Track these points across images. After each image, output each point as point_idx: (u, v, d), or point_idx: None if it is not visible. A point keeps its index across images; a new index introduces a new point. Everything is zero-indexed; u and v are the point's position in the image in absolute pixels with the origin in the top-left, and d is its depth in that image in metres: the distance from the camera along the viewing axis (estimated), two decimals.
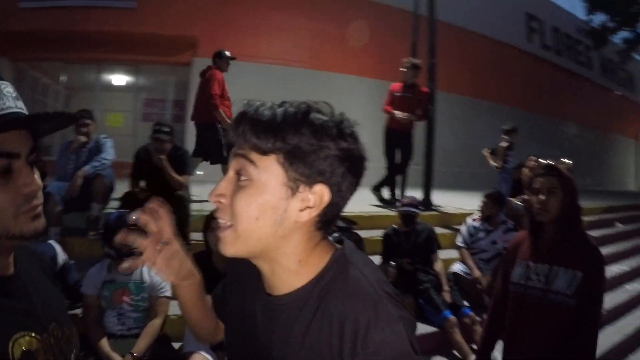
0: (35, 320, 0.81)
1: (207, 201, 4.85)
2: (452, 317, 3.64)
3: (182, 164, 4.22)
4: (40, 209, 0.81)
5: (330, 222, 0.80)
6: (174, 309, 2.88)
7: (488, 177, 7.55)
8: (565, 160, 7.01)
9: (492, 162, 6.93)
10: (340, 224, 3.42)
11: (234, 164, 0.78)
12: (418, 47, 7.48)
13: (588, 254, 1.93)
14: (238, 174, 0.77)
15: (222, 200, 0.77)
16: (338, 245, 0.85)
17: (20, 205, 0.77)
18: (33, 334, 0.79)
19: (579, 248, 1.94)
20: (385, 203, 6.12)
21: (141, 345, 2.65)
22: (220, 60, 5.51)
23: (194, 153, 5.50)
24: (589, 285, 1.86)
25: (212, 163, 5.40)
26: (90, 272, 2.82)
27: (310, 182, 0.75)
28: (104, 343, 2.64)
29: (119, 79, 12.38)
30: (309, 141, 0.73)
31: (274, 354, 0.80)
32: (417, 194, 4.99)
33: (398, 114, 5.88)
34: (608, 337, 4.14)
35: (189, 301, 0.96)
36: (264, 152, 0.74)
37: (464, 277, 4.22)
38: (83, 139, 4.15)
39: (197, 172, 5.56)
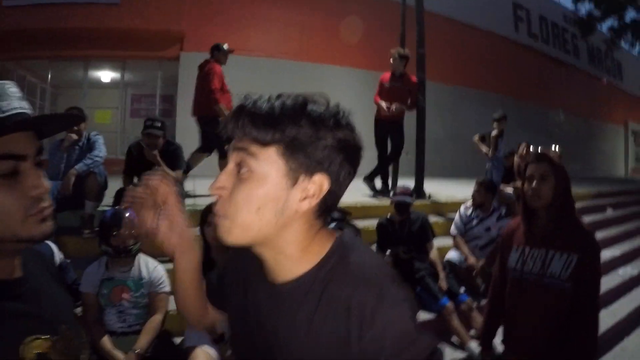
0: (46, 322, 0.81)
1: (200, 196, 4.84)
2: (449, 304, 3.68)
3: (175, 159, 4.20)
4: (47, 211, 0.80)
5: (329, 210, 0.82)
6: (173, 304, 2.87)
7: (478, 166, 7.61)
8: (555, 148, 7.07)
9: (482, 149, 6.98)
10: (335, 214, 3.43)
11: (233, 157, 0.79)
12: (407, 38, 7.49)
13: (582, 238, 1.96)
14: (238, 166, 0.78)
15: (223, 192, 0.78)
16: (337, 233, 0.86)
17: (29, 208, 0.76)
18: (44, 337, 0.78)
19: (573, 232, 1.97)
20: (378, 193, 6.14)
21: (143, 341, 2.65)
22: (218, 53, 5.49)
23: (200, 149, 5.47)
24: (584, 269, 1.90)
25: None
26: (88, 271, 2.81)
27: (310, 172, 0.76)
28: (106, 341, 2.64)
29: (106, 76, 12.27)
30: (307, 132, 0.75)
31: (280, 340, 0.81)
32: (408, 183, 5.01)
33: (383, 104, 5.90)
34: (602, 321, 4.16)
35: (186, 276, 0.97)
36: (264, 144, 0.75)
37: (459, 265, 4.27)
38: (74, 136, 4.10)
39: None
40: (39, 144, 0.79)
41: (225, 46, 5.55)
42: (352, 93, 9.45)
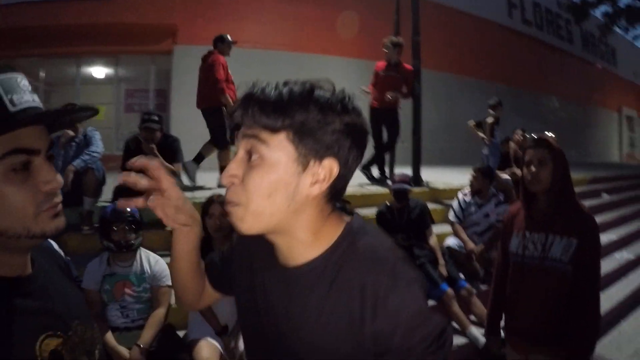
0: (59, 319, 0.80)
1: (198, 189, 4.84)
2: (449, 290, 3.71)
3: (173, 152, 4.20)
4: (60, 206, 0.79)
5: (338, 194, 0.84)
6: None
7: (473, 153, 7.63)
8: (550, 134, 7.11)
9: (479, 134, 7.01)
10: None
11: (243, 145, 0.79)
12: (401, 26, 7.47)
13: (582, 221, 1.98)
14: (248, 154, 0.78)
15: (235, 180, 0.79)
16: (347, 217, 0.88)
17: (41, 204, 0.74)
18: (58, 334, 0.78)
19: (573, 216, 1.99)
20: (375, 181, 6.15)
21: (147, 336, 2.65)
22: (222, 45, 5.49)
23: (211, 141, 5.48)
24: (584, 252, 1.92)
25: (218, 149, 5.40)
26: (90, 267, 2.81)
27: (320, 157, 0.77)
28: (109, 337, 2.64)
29: (98, 71, 12.17)
30: (316, 117, 0.76)
31: (291, 324, 0.82)
32: (405, 171, 5.02)
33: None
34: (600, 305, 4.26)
35: (183, 250, 0.97)
36: (275, 131, 0.76)
37: (458, 251, 4.29)
38: (71, 133, 4.08)
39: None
40: (50, 138, 0.78)
41: (229, 37, 5.55)
42: (347, 83, 9.33)
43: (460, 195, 4.60)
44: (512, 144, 6.52)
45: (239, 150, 0.80)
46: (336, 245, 0.82)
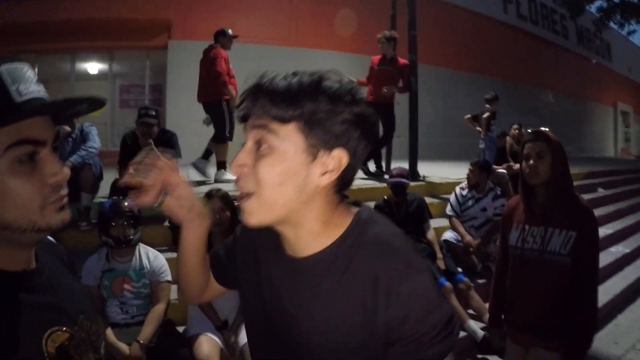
0: (64, 314, 0.78)
1: (197, 183, 4.80)
2: (447, 284, 3.72)
3: (171, 147, 4.17)
4: (66, 199, 0.77)
5: (347, 185, 0.84)
6: (175, 293, 2.88)
7: (470, 147, 7.64)
8: (545, 129, 7.13)
9: (476, 128, 7.01)
10: None
11: (252, 135, 0.79)
12: (397, 21, 7.45)
13: (581, 214, 1.99)
14: (257, 144, 0.78)
15: (245, 169, 0.79)
16: (355, 208, 0.88)
17: (48, 196, 0.73)
18: (64, 329, 0.76)
19: (571, 209, 1.99)
20: (372, 176, 6.15)
21: (147, 331, 2.65)
22: (224, 39, 5.49)
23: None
24: (583, 245, 1.93)
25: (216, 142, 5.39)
26: (88, 263, 2.80)
27: (329, 147, 0.77)
28: (109, 333, 2.64)
29: (93, 67, 12.08)
30: (325, 107, 0.76)
31: (300, 314, 0.82)
32: (402, 165, 5.03)
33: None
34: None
35: (192, 245, 0.98)
36: (284, 121, 0.76)
37: (456, 244, 4.30)
38: (67, 128, 4.04)
39: None
40: (56, 129, 0.77)
41: (230, 32, 5.54)
42: None
43: (457, 189, 4.60)
44: (508, 139, 6.54)
45: (248, 140, 0.80)
46: (346, 235, 0.82)
